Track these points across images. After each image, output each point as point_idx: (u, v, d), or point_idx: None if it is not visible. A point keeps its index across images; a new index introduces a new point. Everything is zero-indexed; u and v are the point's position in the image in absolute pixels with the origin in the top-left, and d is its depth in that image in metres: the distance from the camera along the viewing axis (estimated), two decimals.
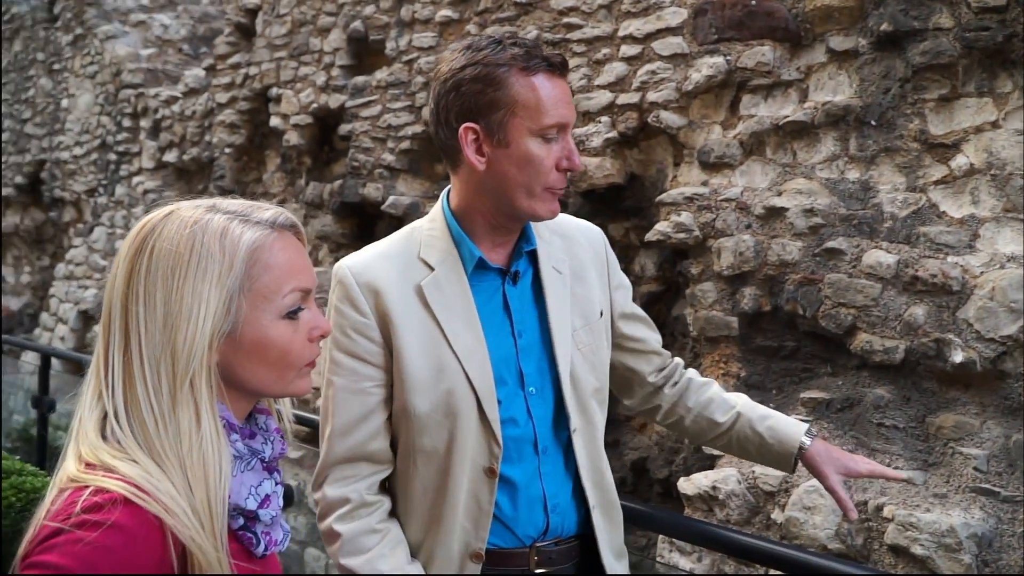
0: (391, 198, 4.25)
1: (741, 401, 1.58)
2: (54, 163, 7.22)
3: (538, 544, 1.38)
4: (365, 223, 4.61)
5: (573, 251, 1.46)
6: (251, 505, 0.94)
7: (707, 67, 3.14)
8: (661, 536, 2.94)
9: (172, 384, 0.88)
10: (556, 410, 1.40)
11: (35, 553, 0.81)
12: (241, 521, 0.94)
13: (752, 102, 3.09)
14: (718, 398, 1.58)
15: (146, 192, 5.99)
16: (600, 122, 3.45)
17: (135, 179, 6.15)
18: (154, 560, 0.84)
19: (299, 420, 2.05)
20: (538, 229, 1.42)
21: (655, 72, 3.29)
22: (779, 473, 2.74)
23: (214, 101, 5.40)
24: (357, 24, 4.45)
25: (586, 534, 1.45)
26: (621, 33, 3.40)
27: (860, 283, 2.73)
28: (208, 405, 0.90)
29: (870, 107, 2.81)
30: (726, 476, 2.82)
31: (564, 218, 1.50)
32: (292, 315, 0.96)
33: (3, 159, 7.99)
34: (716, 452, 3.08)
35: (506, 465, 1.35)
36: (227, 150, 5.30)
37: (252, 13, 5.17)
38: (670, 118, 3.25)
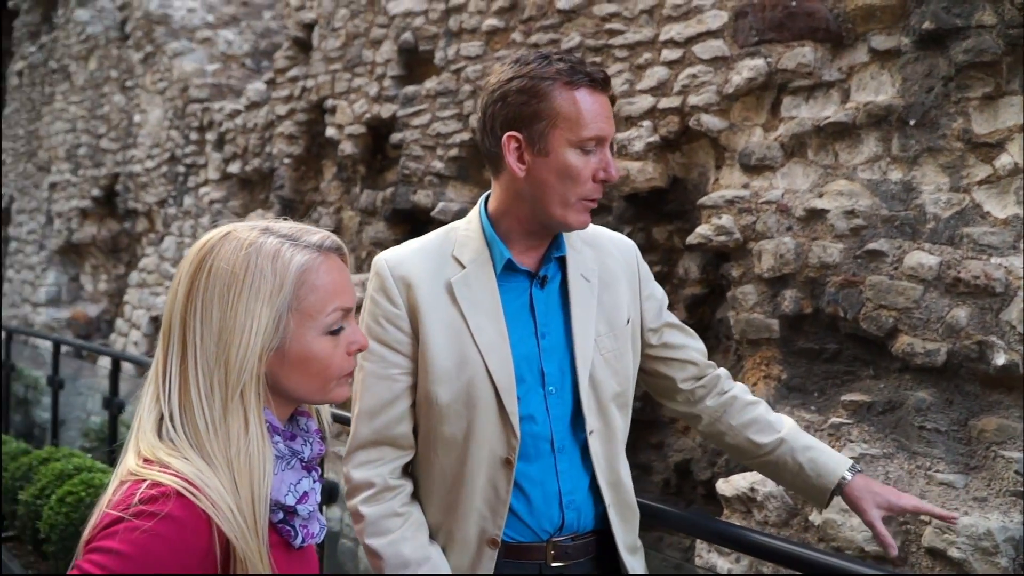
0: (440, 204, 4.35)
1: (787, 426, 1.60)
2: (127, 176, 7.56)
3: (555, 539, 1.44)
4: (417, 229, 4.71)
5: (603, 261, 1.53)
6: (290, 501, 1.02)
7: (748, 69, 3.14)
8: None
9: (224, 393, 0.97)
10: (574, 411, 1.46)
11: (97, 539, 0.90)
12: (281, 515, 1.02)
13: (793, 104, 3.09)
14: (763, 420, 1.60)
15: (212, 202, 6.23)
16: (642, 126, 3.48)
17: (201, 190, 6.40)
18: (202, 549, 0.92)
19: (339, 419, 2.14)
20: (570, 239, 1.49)
21: (696, 75, 3.30)
22: None
23: (274, 113, 5.60)
24: (407, 35, 4.56)
25: (602, 530, 1.50)
26: (662, 37, 3.43)
27: (902, 285, 2.70)
28: (256, 413, 0.98)
29: (912, 107, 2.78)
30: (764, 478, 2.81)
31: (599, 230, 1.59)
32: (334, 332, 1.04)
33: (80, 173, 8.39)
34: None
35: (523, 461, 1.42)
36: (286, 160, 5.48)
37: (309, 28, 5.34)
38: (711, 121, 3.26)
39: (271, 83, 5.72)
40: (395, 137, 4.66)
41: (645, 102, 3.46)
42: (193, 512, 0.92)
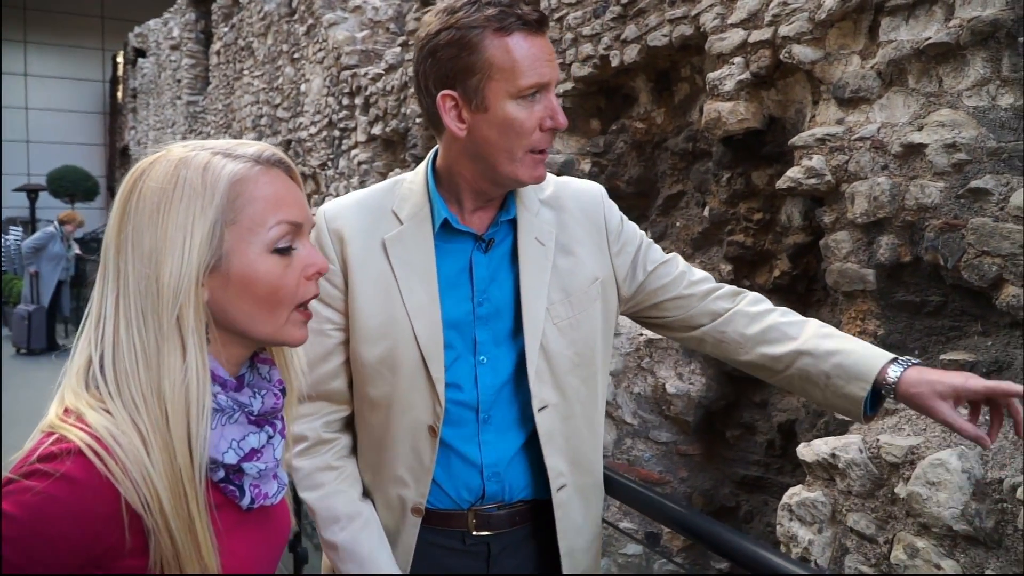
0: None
1: (808, 332, 1.38)
2: (297, 142, 8.09)
3: (476, 507, 1.39)
4: None
5: (564, 222, 1.43)
6: (230, 459, 0.93)
7: None
8: (781, 504, 2.75)
9: (158, 319, 0.88)
10: (515, 383, 1.39)
11: None
12: (222, 474, 0.93)
13: (892, 25, 2.72)
14: (777, 329, 1.40)
15: (360, 163, 6.53)
16: (733, 63, 3.22)
17: (352, 152, 6.73)
18: (105, 515, 0.83)
19: None
20: (525, 201, 1.40)
21: (787, 3, 3.00)
22: (904, 442, 2.46)
23: (407, 75, 5.74)
24: None
25: (546, 500, 1.43)
26: None
27: (1007, 228, 2.34)
28: (196, 338, 0.89)
29: (1023, 19, 2.36)
30: (847, 444, 2.57)
31: (564, 184, 1.48)
32: (284, 252, 0.95)
33: (263, 141, 9.08)
34: (848, 418, 2.81)
35: (448, 430, 1.38)
36: (418, 120, 5.62)
37: None
38: (803, 52, 2.95)
39: (404, 46, 5.86)
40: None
41: (736, 36, 3.20)
42: (94, 473, 0.82)
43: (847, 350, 1.34)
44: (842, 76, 2.86)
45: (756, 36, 3.12)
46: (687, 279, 1.48)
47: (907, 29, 2.68)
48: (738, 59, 3.20)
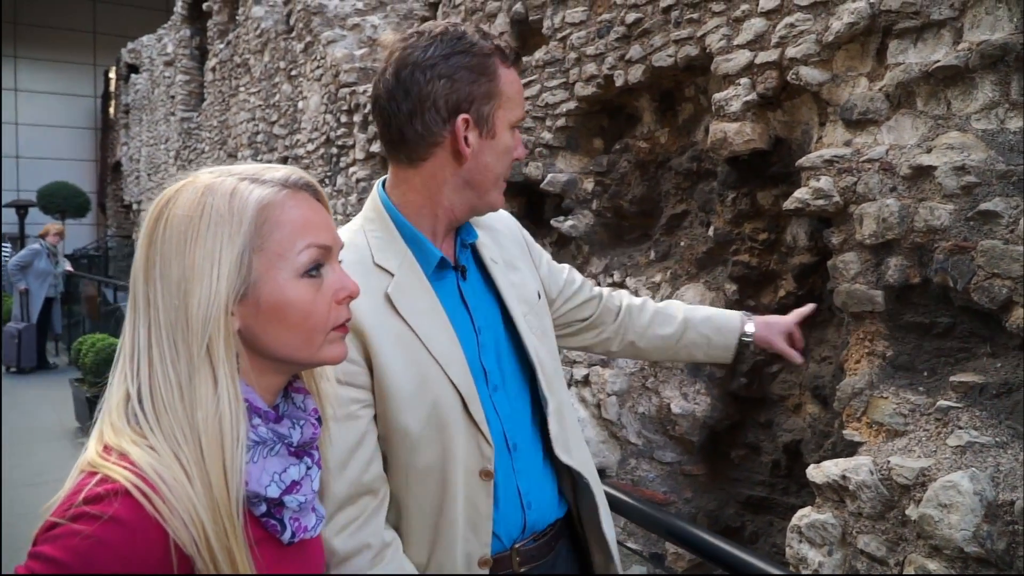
0: (549, 176, 4.29)
1: (681, 309, 1.71)
2: (294, 159, 8.08)
3: (517, 545, 1.35)
4: (532, 201, 4.69)
5: (500, 242, 1.46)
6: (272, 493, 0.90)
7: (848, 13, 2.83)
8: (790, 525, 2.74)
9: (188, 350, 0.86)
10: (523, 402, 1.38)
11: (39, 541, 0.79)
12: (264, 508, 0.91)
13: (900, 48, 2.75)
14: (661, 313, 1.70)
15: (358, 181, 6.52)
16: (739, 84, 3.24)
17: (351, 170, 6.72)
18: (157, 554, 0.81)
19: None
20: (474, 224, 1.41)
21: (794, 24, 3.02)
22: (915, 464, 2.45)
23: None
24: (518, 6, 4.52)
25: (562, 518, 1.43)
26: None
27: (1017, 250, 2.35)
28: (227, 369, 0.87)
29: None
30: (857, 465, 2.56)
31: None
32: (313, 275, 0.93)
33: (259, 158, 9.07)
34: (857, 439, 2.80)
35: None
36: None
37: (435, 6, 5.42)
38: (810, 73, 2.98)
39: None
40: None
41: (742, 57, 3.22)
42: (142, 515, 0.80)
43: (714, 313, 1.71)
44: (850, 98, 2.88)
45: (763, 57, 3.15)
46: (588, 283, 1.68)
47: (915, 52, 2.71)
48: (744, 80, 3.22)
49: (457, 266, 1.36)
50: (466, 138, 1.26)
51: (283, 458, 0.93)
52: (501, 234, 1.47)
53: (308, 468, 0.95)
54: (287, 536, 0.92)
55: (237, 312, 0.89)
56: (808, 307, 1.78)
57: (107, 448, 0.84)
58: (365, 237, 1.32)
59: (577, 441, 1.44)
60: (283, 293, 0.90)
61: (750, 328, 1.70)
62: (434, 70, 1.25)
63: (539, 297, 1.45)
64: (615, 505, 1.85)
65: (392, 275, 1.29)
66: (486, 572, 1.29)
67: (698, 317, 1.69)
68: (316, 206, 0.96)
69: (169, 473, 0.82)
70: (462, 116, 1.24)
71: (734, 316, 1.72)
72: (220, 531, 0.83)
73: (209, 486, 0.83)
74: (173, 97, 13.46)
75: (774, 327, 1.70)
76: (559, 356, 1.49)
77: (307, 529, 0.95)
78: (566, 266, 1.66)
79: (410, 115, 1.26)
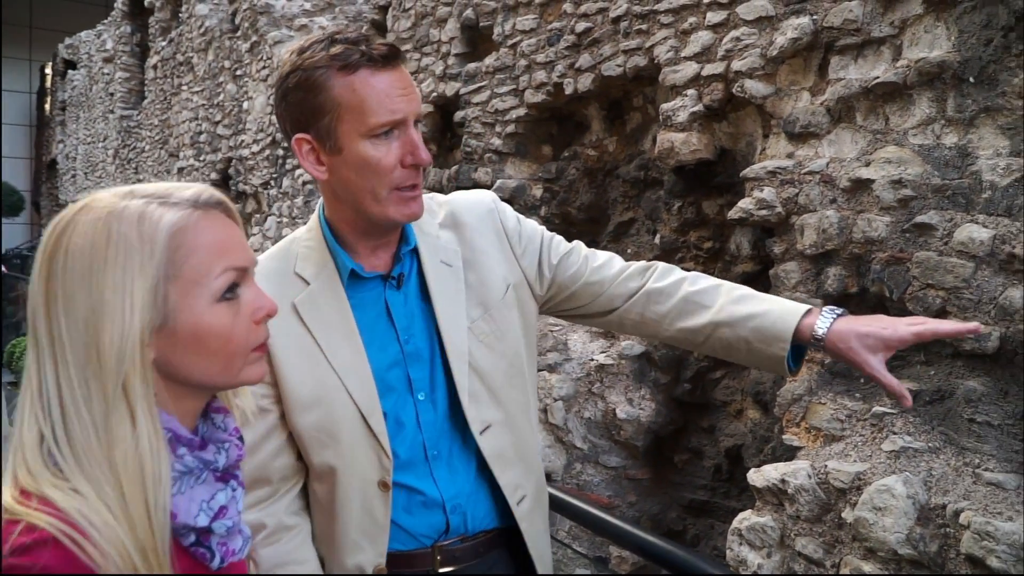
0: (498, 182, 4.30)
1: (721, 298, 1.37)
2: (238, 160, 7.95)
3: (440, 544, 1.35)
4: None
5: (465, 238, 1.40)
6: (202, 522, 0.87)
7: (792, 29, 2.90)
8: (731, 528, 2.79)
9: (103, 389, 0.81)
10: (452, 413, 1.36)
11: None
12: (193, 538, 0.88)
13: (841, 64, 2.83)
14: (690, 300, 1.38)
15: (305, 183, 6.44)
16: (686, 95, 3.29)
17: (297, 171, 6.64)
18: None
19: None
20: (422, 224, 1.37)
21: (739, 39, 3.09)
22: (851, 468, 2.52)
23: None
24: (469, 12, 4.52)
25: (507, 526, 1.40)
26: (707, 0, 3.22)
27: (951, 262, 2.43)
28: (144, 405, 0.83)
29: (969, 62, 2.48)
30: (796, 469, 2.62)
31: (454, 201, 1.45)
32: (229, 297, 0.89)
33: (202, 158, 8.91)
34: (796, 443, 2.87)
35: (399, 473, 1.33)
36: None
37: (384, 9, 5.40)
38: (755, 87, 3.04)
39: None
40: (458, 115, 4.65)
41: (689, 69, 3.28)
42: (74, 562, 0.75)
43: (762, 312, 1.32)
44: (792, 111, 2.95)
45: (709, 69, 3.21)
46: (591, 264, 1.45)
47: (856, 68, 2.79)
48: (691, 91, 3.28)
49: (388, 276, 1.34)
50: (319, 157, 1.24)
51: (210, 485, 0.90)
52: (469, 228, 1.40)
53: (234, 491, 0.93)
54: (216, 563, 0.89)
55: (152, 343, 0.84)
56: (954, 326, 1.24)
57: (25, 493, 0.79)
58: (297, 245, 1.34)
59: (523, 455, 1.40)
60: (201, 321, 0.86)
61: (822, 328, 1.26)
62: (278, 91, 1.26)
63: (506, 292, 1.39)
64: (562, 508, 1.86)
65: (308, 284, 1.30)
66: None
67: (739, 315, 1.33)
68: (229, 224, 0.91)
69: (98, 517, 0.78)
70: (296, 137, 1.23)
71: (789, 313, 1.30)
72: (151, 571, 0.80)
73: (134, 527, 0.80)
74: (112, 94, 13.13)
75: (867, 335, 1.23)
76: (533, 354, 1.44)
77: (235, 552, 0.92)
78: (572, 247, 1.48)
79: (284, 136, 1.30)
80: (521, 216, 1.48)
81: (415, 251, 1.36)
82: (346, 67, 1.18)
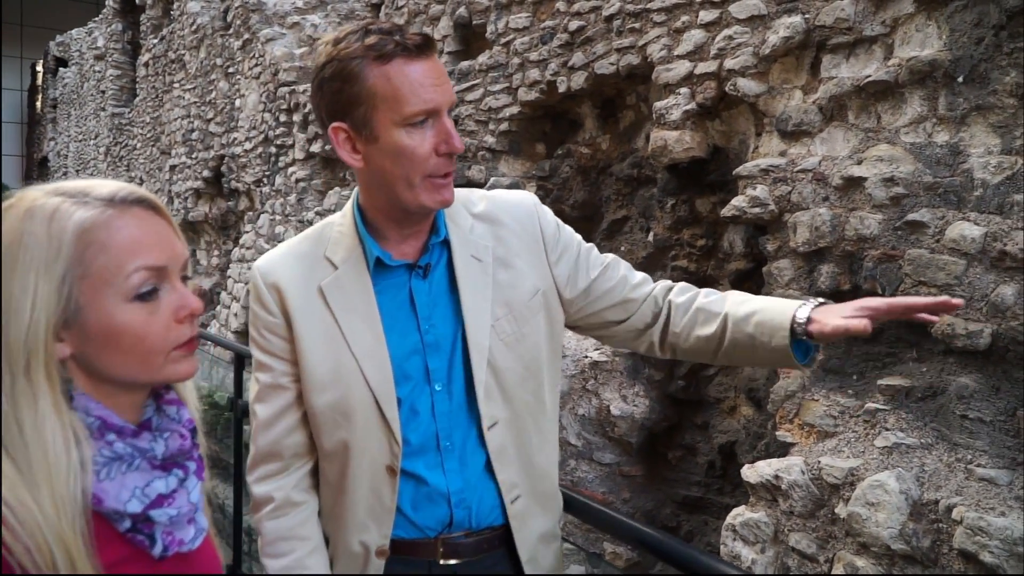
0: (492, 179, 4.31)
1: (728, 303, 1.41)
2: (231, 157, 7.93)
3: (444, 536, 1.36)
4: None
5: (500, 235, 1.40)
6: (133, 508, 0.88)
7: (784, 28, 2.92)
8: (725, 524, 2.80)
9: (12, 379, 0.84)
10: (468, 405, 1.37)
11: None
12: (128, 523, 0.89)
13: (833, 62, 2.84)
14: (704, 310, 1.42)
15: (298, 181, 6.43)
16: (679, 94, 3.30)
17: (290, 169, 6.63)
18: None
19: None
20: (456, 218, 1.38)
21: (732, 37, 3.10)
22: (844, 464, 2.54)
23: None
24: (462, 10, 4.52)
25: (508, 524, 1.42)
26: None
27: (942, 259, 2.45)
28: (49, 396, 0.85)
29: (960, 60, 2.50)
30: (789, 465, 2.64)
31: (496, 197, 1.45)
32: (148, 298, 0.89)
33: (194, 156, 8.88)
34: (790, 440, 2.89)
35: (409, 460, 1.35)
36: None
37: (377, 8, 5.39)
38: (748, 85, 3.06)
39: None
40: (453, 113, 4.65)
41: (682, 68, 3.29)
42: None
43: (762, 308, 1.36)
44: (785, 110, 2.96)
45: (702, 68, 3.22)
46: (630, 283, 1.46)
47: (848, 67, 2.80)
48: (684, 90, 3.29)
49: (416, 265, 1.35)
50: (355, 145, 1.27)
51: (145, 472, 0.90)
52: (505, 227, 1.40)
53: (182, 480, 0.93)
54: (158, 550, 0.90)
55: (67, 339, 0.86)
56: (908, 300, 1.34)
57: None
58: (331, 230, 1.38)
59: (524, 455, 1.40)
60: (112, 319, 0.87)
61: (803, 314, 1.32)
62: (314, 82, 1.29)
63: (534, 296, 1.39)
64: (565, 504, 1.86)
65: (336, 268, 1.34)
66: (381, 562, 1.35)
67: (742, 314, 1.37)
68: (151, 222, 0.91)
69: (14, 496, 0.80)
70: (333, 126, 1.26)
71: (787, 305, 1.36)
72: (64, 555, 0.81)
73: (47, 515, 0.81)
74: (103, 92, 13.07)
75: (841, 309, 1.32)
76: (556, 363, 1.44)
77: (183, 542, 0.93)
78: (609, 262, 1.48)
79: (320, 127, 1.33)
80: (561, 222, 1.48)
81: (445, 243, 1.37)
82: (381, 57, 1.20)
